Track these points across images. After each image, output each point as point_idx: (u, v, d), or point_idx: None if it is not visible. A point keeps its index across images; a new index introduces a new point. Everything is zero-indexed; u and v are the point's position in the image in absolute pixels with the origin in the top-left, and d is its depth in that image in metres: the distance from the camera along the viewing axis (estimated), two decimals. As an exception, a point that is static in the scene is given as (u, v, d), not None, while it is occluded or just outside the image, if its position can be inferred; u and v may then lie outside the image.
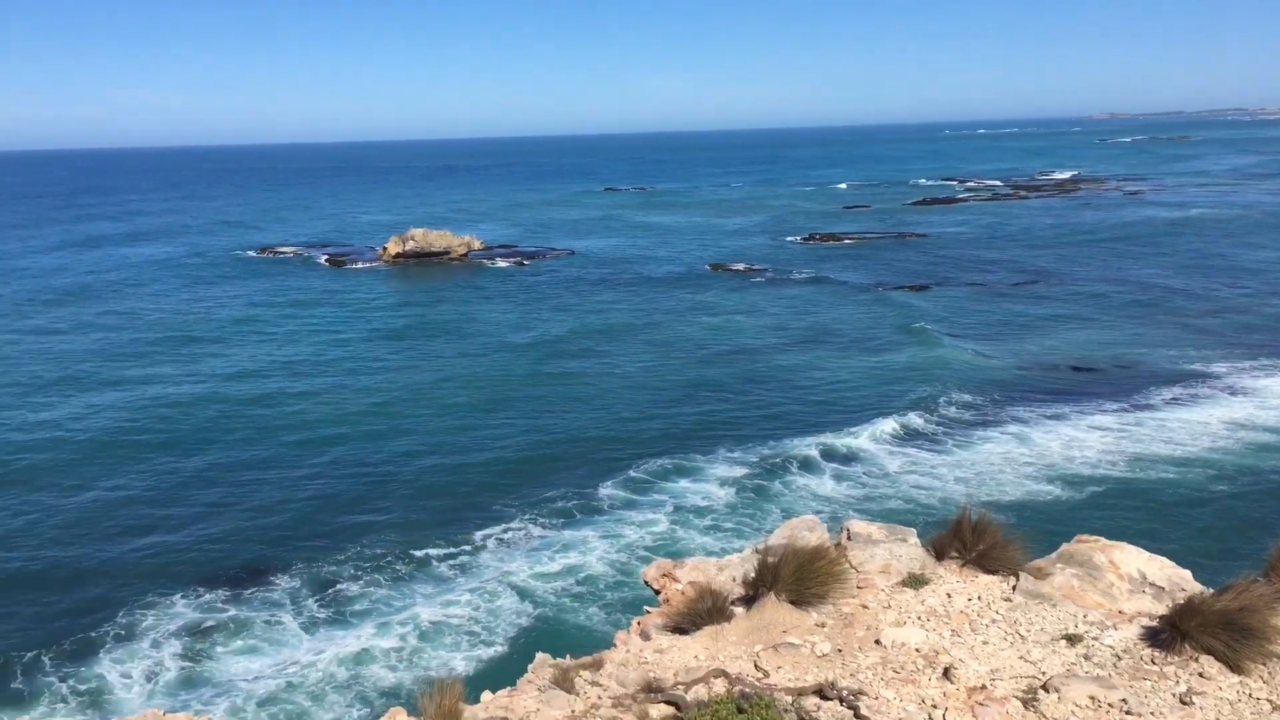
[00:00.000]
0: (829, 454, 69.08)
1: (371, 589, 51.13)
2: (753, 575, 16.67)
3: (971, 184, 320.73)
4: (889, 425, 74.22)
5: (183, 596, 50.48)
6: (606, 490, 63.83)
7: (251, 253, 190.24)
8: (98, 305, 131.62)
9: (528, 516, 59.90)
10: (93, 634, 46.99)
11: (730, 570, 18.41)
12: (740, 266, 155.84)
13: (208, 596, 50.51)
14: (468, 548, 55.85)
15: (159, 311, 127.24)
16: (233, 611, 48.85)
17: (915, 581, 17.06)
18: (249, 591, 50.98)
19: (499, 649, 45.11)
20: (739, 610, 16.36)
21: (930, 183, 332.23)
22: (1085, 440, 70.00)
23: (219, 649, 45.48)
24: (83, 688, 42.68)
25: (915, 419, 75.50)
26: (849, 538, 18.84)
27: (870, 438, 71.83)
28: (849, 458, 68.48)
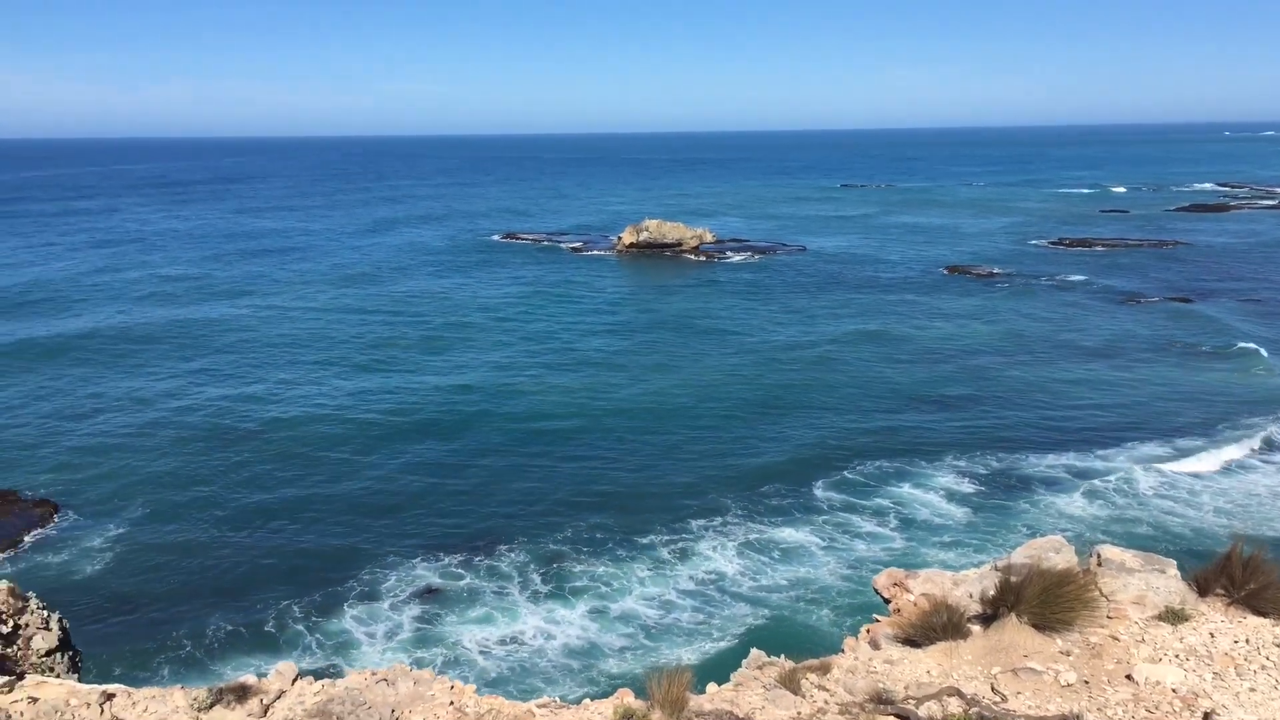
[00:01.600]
0: (1073, 472, 65.25)
1: (593, 568, 52.61)
2: (992, 593, 15.97)
3: (1248, 190, 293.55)
4: (1143, 446, 69.33)
5: (421, 561, 53.72)
6: (823, 491, 63.04)
7: (496, 237, 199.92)
8: (368, 289, 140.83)
9: (745, 510, 59.95)
10: (338, 589, 50.66)
11: (966, 586, 17.73)
12: (980, 270, 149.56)
13: (443, 562, 53.48)
14: (688, 536, 56.53)
15: (416, 298, 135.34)
16: (465, 580, 51.49)
17: (1174, 617, 15.85)
18: (479, 560, 53.55)
19: (717, 642, 45.33)
20: (976, 628, 15.74)
21: (1202, 187, 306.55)
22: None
23: (451, 615, 47.97)
24: (328, 640, 46.07)
25: (1173, 440, 70.18)
26: (1099, 563, 17.73)
27: (1124, 458, 67.28)
28: (1095, 476, 64.39)
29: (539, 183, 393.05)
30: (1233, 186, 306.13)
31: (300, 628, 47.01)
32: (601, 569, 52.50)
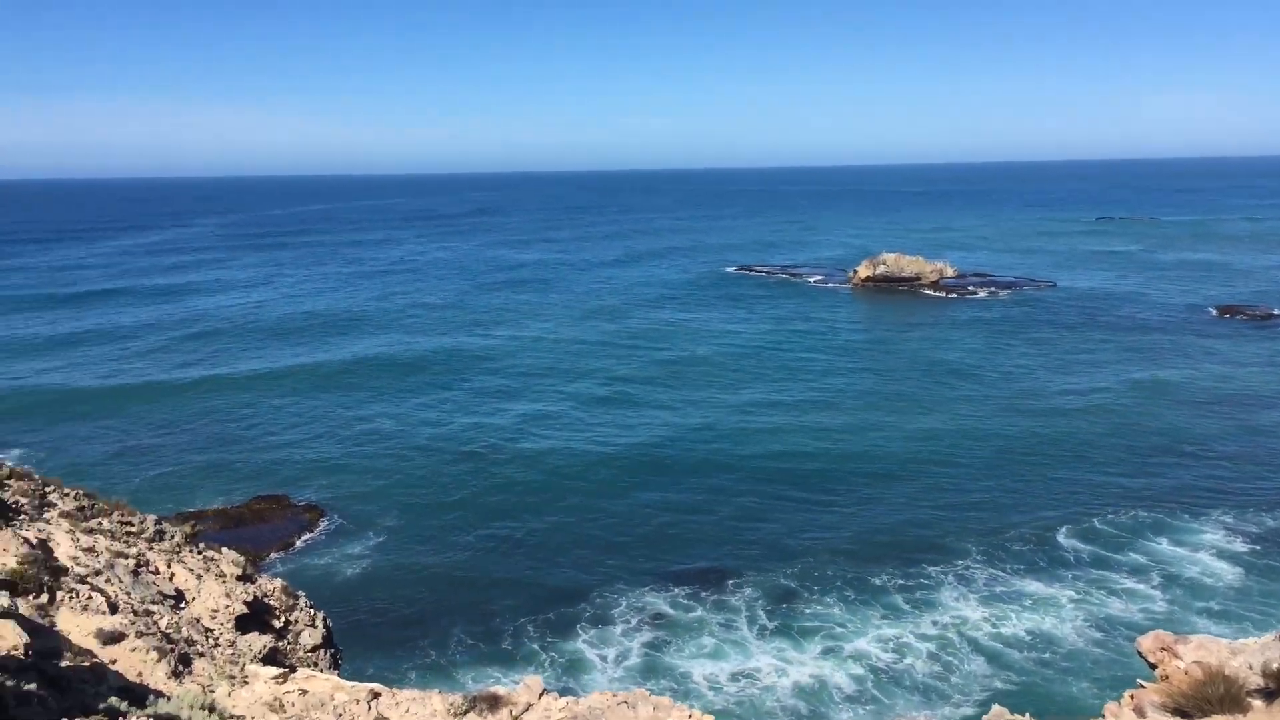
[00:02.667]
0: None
1: (824, 608, 51.56)
2: (1277, 665, 14.45)
3: None
4: None
5: (652, 590, 54.41)
6: (1069, 539, 59.32)
7: (732, 270, 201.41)
8: (611, 321, 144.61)
9: (985, 557, 57.21)
10: (571, 611, 52.03)
11: (1246, 656, 16.10)
12: (1257, 311, 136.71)
13: (673, 593, 53.89)
14: (924, 581, 54.50)
15: (656, 331, 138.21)
16: (694, 611, 51.62)
17: None
18: (708, 593, 53.61)
19: (952, 699, 43.38)
20: (1257, 703, 14.25)
21: None
22: None
23: (680, 645, 48.21)
24: (561, 659, 47.37)
25: None
26: None
27: None
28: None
29: (776, 216, 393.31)
30: None
31: (535, 645, 48.62)
32: (833, 610, 51.38)
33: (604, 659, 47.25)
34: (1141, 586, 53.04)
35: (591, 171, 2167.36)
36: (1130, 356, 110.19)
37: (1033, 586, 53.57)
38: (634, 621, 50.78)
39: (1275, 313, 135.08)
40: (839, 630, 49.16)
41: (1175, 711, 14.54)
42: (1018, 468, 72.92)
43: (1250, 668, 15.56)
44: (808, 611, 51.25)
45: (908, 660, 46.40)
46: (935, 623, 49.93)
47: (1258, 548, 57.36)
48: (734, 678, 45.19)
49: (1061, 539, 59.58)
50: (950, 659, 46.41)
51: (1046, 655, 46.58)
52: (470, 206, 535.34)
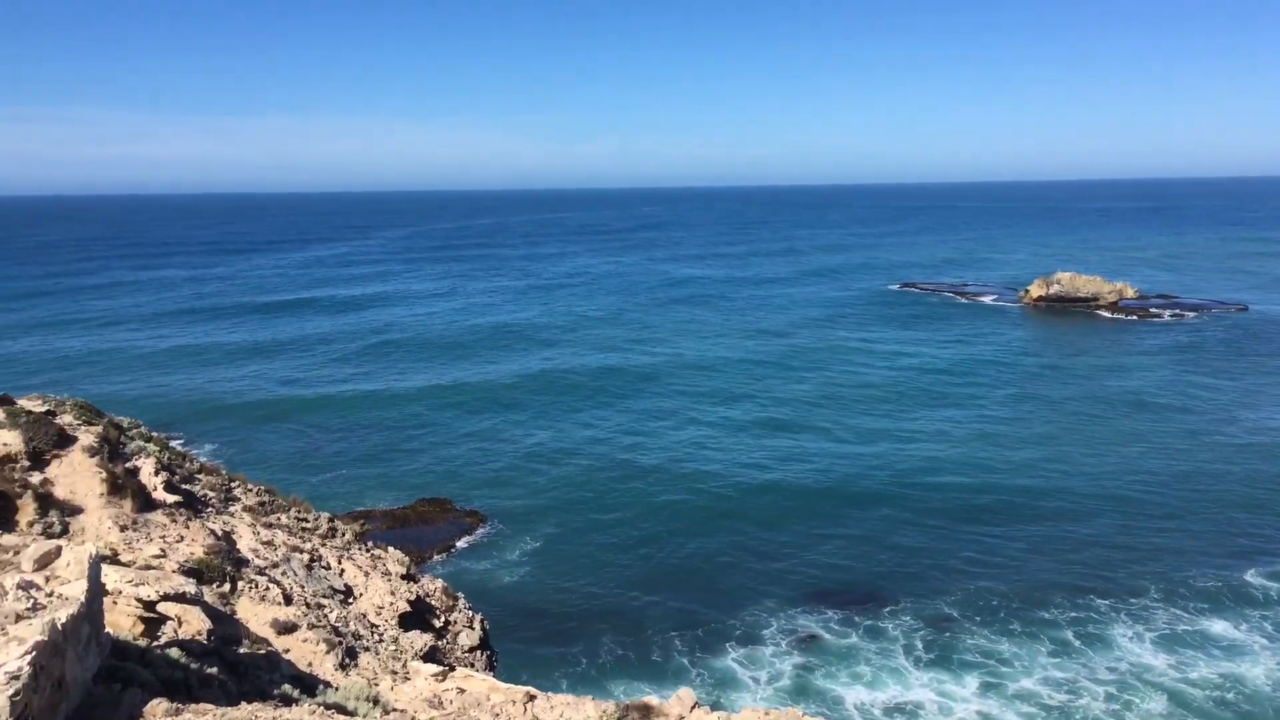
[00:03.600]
0: None
1: (985, 641, 49.56)
2: None
3: None
4: None
5: (803, 611, 53.57)
6: (1256, 578, 55.26)
7: (894, 287, 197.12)
8: (773, 341, 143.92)
9: (1163, 593, 53.94)
10: (721, 627, 51.75)
11: None
12: None
13: (825, 615, 52.90)
14: (1095, 615, 51.82)
15: (815, 350, 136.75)
16: (847, 636, 50.55)
17: None
18: (862, 617, 52.39)
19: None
20: None
21: None
22: None
23: (832, 670, 47.26)
24: (710, 675, 47.13)
25: None
26: None
27: None
28: None
29: (947, 232, 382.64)
30: None
31: (685, 661, 48.56)
32: (996, 644, 49.30)
33: (754, 678, 46.77)
34: (1344, 637, 48.87)
35: (759, 186, 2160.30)
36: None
37: (1217, 626, 50.27)
38: (785, 643, 50.10)
39: None
40: (1003, 669, 47.05)
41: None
42: (1200, 506, 68.46)
43: None
44: (970, 643, 49.34)
45: (1079, 695, 44.05)
46: (1105, 658, 47.37)
47: None
48: (889, 710, 43.82)
49: (1251, 578, 55.64)
50: (1125, 695, 43.78)
51: (1229, 700, 43.47)
52: (637, 221, 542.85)
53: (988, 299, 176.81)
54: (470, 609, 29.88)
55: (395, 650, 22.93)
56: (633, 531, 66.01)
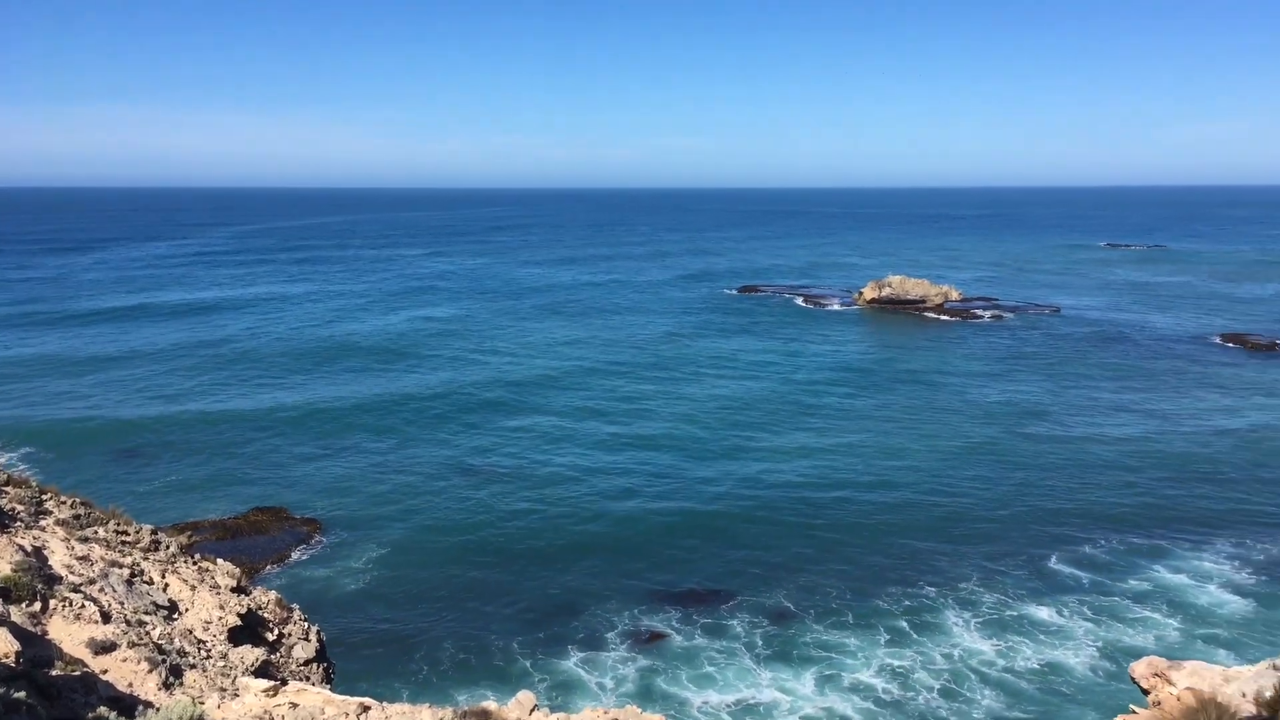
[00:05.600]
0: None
1: (822, 634, 51.17)
2: (1270, 695, 14.40)
3: None
4: None
5: (645, 611, 54.09)
6: (1064, 565, 59.36)
7: (733, 291, 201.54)
8: (618, 343, 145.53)
9: (984, 581, 57.07)
10: (564, 631, 51.68)
11: (1240, 684, 16.03)
12: (1260, 340, 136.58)
13: (667, 614, 53.55)
14: (927, 602, 54.36)
15: (653, 349, 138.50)
16: (688, 634, 51.22)
17: None
18: (702, 615, 53.24)
19: (951, 718, 43.23)
20: (1250, 733, 14.20)
21: None
22: None
23: (675, 669, 47.74)
24: (553, 679, 47.00)
25: None
26: (1406, 674, 15.61)
27: None
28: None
29: (788, 238, 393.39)
30: None
31: (527, 664, 48.37)
32: (832, 636, 50.96)
33: (597, 679, 46.94)
34: (1144, 614, 52.80)
35: (622, 189, 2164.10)
36: (1132, 383, 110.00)
37: (1031, 609, 53.39)
38: (628, 643, 50.46)
39: (1279, 342, 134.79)
40: (841, 659, 48.67)
41: (1167, 739, 14.49)
42: (1010, 495, 72.65)
43: (1244, 695, 15.52)
44: (808, 639, 50.80)
45: (911, 685, 45.99)
46: (938, 645, 49.67)
47: (1264, 578, 57.09)
48: (731, 707, 44.55)
49: (1058, 565, 59.53)
50: (957, 689, 46.00)
51: (1048, 679, 46.33)
52: (493, 222, 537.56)
53: (825, 302, 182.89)
54: (306, 620, 28.96)
55: (224, 666, 22.05)
56: (477, 536, 65.34)
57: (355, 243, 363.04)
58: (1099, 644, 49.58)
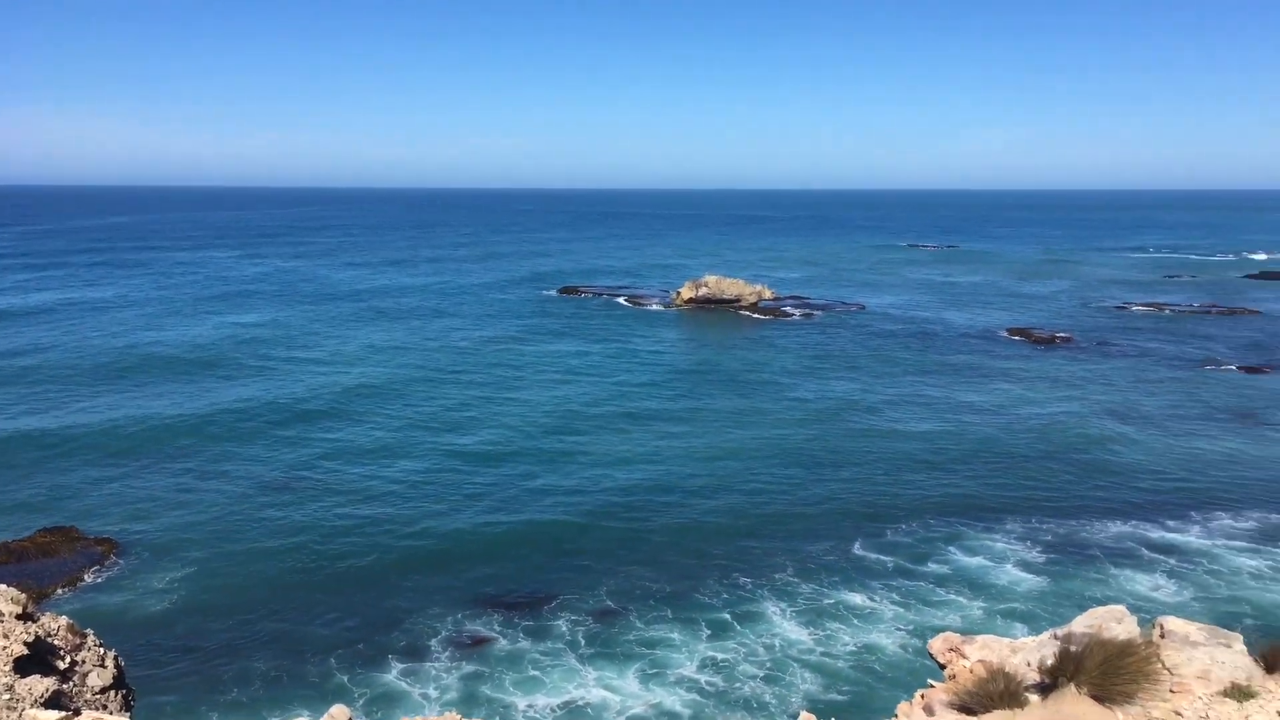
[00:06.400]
0: (1144, 542, 63.48)
1: (645, 630, 51.89)
2: (1051, 662, 15.56)
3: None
4: (1217, 519, 67.31)
5: (467, 616, 53.43)
6: (870, 552, 62.45)
7: (553, 292, 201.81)
8: (430, 347, 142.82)
9: (798, 570, 59.25)
10: (384, 641, 50.49)
11: (1025, 654, 17.27)
12: (1043, 333, 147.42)
13: (489, 618, 53.10)
14: (746, 595, 55.91)
15: (470, 351, 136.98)
16: (512, 637, 50.91)
17: (1240, 694, 15.27)
18: (526, 619, 53.03)
19: (772, 703, 44.57)
20: (1034, 698, 15.30)
21: (1275, 255, 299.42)
22: None
23: (499, 674, 47.38)
24: (373, 692, 45.88)
25: (1247, 516, 68.02)
26: (1163, 635, 17.18)
27: (1197, 530, 65.39)
28: (1167, 547, 62.53)
29: (613, 239, 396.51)
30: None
31: (344, 679, 46.94)
32: (655, 632, 51.64)
33: (420, 690, 46.02)
34: (946, 595, 55.93)
35: (441, 190, 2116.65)
36: (931, 377, 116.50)
37: (844, 596, 55.73)
38: (451, 650, 49.69)
39: (1059, 335, 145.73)
40: (666, 655, 49.40)
41: (960, 708, 15.44)
42: (817, 485, 75.74)
43: (1029, 664, 16.70)
44: (631, 637, 51.30)
45: (733, 675, 47.13)
46: (758, 634, 51.12)
47: (1051, 555, 61.54)
48: (557, 710, 44.55)
49: (867, 552, 62.40)
50: (779, 675, 47.45)
51: (857, 660, 48.49)
52: (311, 224, 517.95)
53: (644, 302, 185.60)
54: (101, 646, 27.16)
55: (10, 700, 20.52)
56: (294, 557, 62.65)
57: (161, 244, 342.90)
58: (908, 625, 52.15)
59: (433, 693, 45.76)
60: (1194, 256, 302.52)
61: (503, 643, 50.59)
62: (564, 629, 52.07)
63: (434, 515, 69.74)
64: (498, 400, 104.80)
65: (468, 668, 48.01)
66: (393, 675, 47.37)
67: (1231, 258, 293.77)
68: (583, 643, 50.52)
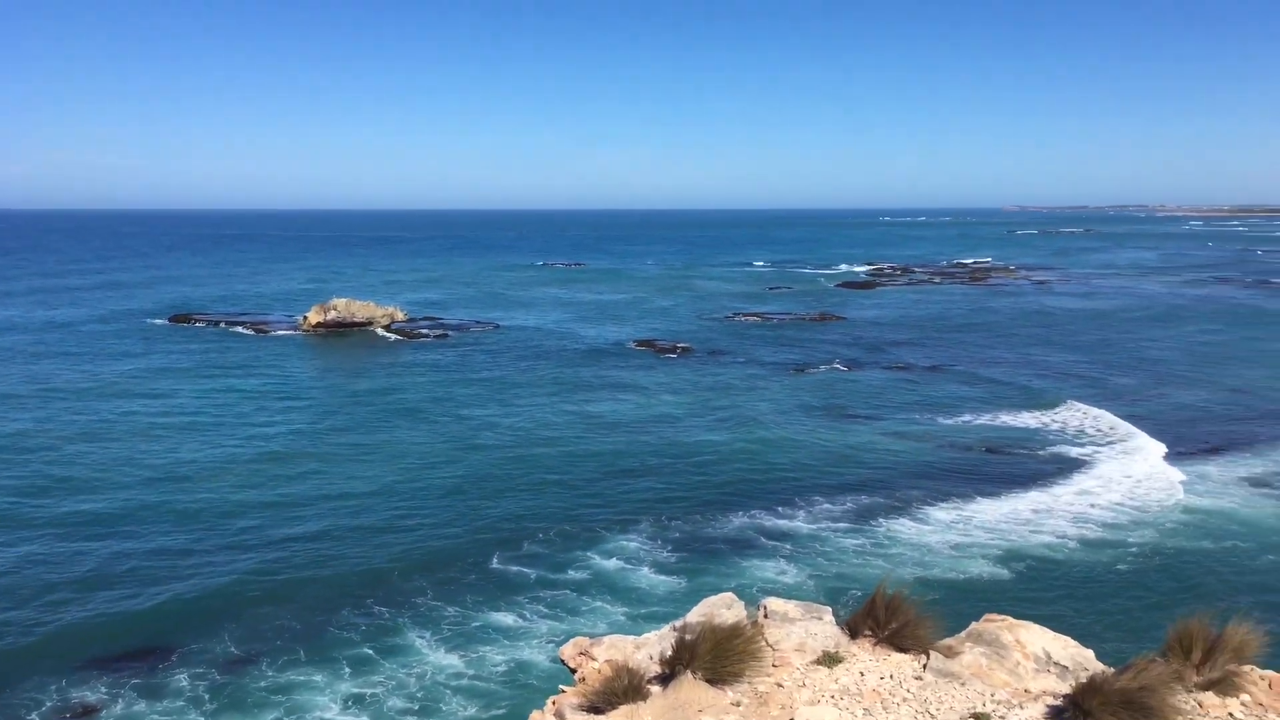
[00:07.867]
0: (762, 532, 69.38)
1: (278, 674, 48.96)
2: (669, 653, 16.69)
3: (889, 268, 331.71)
4: (820, 505, 75.01)
5: (70, 684, 47.98)
6: (510, 564, 63.42)
7: (161, 321, 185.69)
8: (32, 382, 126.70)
9: (438, 595, 58.77)
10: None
11: (648, 648, 18.38)
12: (665, 344, 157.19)
13: (97, 682, 47.96)
14: (389, 625, 54.44)
15: (70, 391, 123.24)
16: (130, 701, 46.45)
17: (830, 660, 17.23)
18: (140, 677, 48.47)
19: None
20: (655, 689, 16.32)
21: (855, 268, 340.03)
22: (996, 519, 71.74)
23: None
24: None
25: (844, 500, 76.41)
26: (766, 615, 18.99)
27: (804, 518, 72.42)
28: (781, 536, 68.74)
29: (230, 264, 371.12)
30: (875, 266, 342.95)
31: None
32: (290, 675, 49.00)
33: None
34: (589, 601, 57.83)
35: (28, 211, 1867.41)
36: (568, 391, 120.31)
37: (489, 615, 56.01)
38: (53, 722, 44.45)
39: (679, 345, 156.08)
40: (305, 698, 47.06)
41: (589, 709, 16.14)
42: (468, 506, 75.80)
43: (651, 658, 17.77)
44: (263, 684, 48.33)
45: (389, 719, 45.77)
46: (405, 667, 49.95)
47: (683, 553, 65.39)
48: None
49: (507, 566, 63.19)
50: (432, 704, 46.64)
51: (506, 676, 48.94)
52: None
53: (271, 329, 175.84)
54: None
55: None
56: None
57: None
58: (559, 637, 52.83)
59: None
60: (793, 269, 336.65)
61: (117, 707, 45.88)
62: (184, 684, 48.02)
63: (18, 564, 61.90)
64: (111, 457, 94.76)
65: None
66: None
67: (825, 270, 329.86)
68: (207, 698, 46.84)
